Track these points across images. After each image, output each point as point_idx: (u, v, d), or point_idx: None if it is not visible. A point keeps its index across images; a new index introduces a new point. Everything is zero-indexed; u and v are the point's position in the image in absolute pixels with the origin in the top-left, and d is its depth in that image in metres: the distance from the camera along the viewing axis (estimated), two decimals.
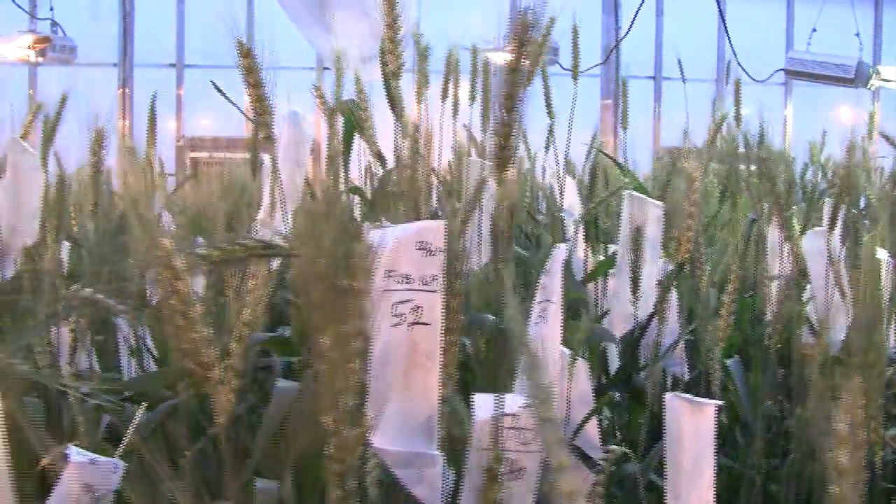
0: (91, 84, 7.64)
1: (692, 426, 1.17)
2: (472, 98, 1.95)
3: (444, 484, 1.00)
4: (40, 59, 6.07)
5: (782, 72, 6.23)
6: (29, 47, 5.99)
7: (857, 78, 5.76)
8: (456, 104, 1.90)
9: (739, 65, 5.18)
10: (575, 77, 2.19)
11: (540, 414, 0.56)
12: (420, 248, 0.94)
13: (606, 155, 1.98)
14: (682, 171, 1.95)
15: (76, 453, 1.12)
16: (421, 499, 0.99)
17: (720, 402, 1.19)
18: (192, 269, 0.70)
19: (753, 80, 5.65)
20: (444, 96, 1.89)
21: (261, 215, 2.00)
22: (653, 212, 1.74)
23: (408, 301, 0.94)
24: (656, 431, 1.24)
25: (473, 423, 0.94)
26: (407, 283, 0.93)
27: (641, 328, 1.74)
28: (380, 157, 1.69)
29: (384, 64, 1.72)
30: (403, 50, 1.28)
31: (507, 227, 1.35)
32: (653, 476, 1.41)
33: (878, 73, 5.90)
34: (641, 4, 4.66)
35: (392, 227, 0.96)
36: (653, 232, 1.74)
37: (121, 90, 6.99)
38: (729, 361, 1.66)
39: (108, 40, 7.01)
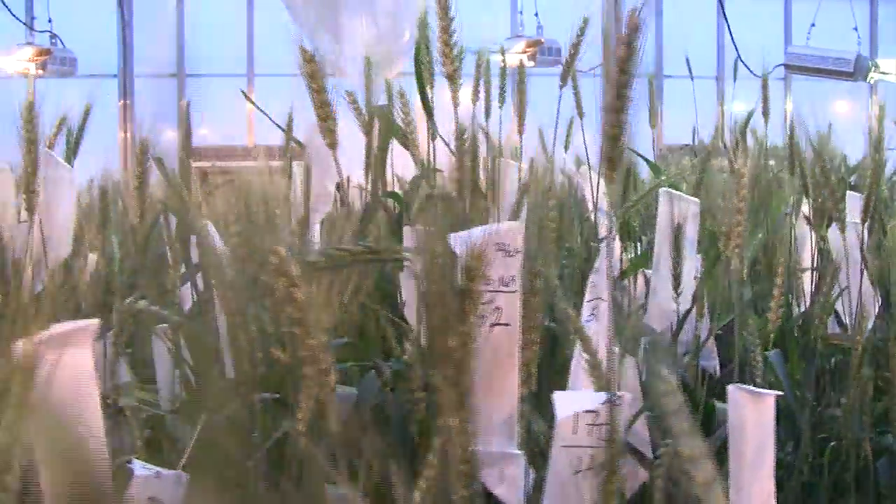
0: (91, 95, 7.66)
1: (754, 417, 1.19)
2: (502, 100, 1.96)
3: (526, 483, 1.01)
4: (41, 72, 6.07)
5: (782, 67, 6.26)
6: (29, 60, 6.00)
7: (856, 71, 5.79)
8: (488, 107, 1.91)
9: (742, 61, 5.21)
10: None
11: (666, 404, 0.58)
12: (499, 250, 0.96)
13: (640, 155, 1.99)
14: (712, 168, 1.98)
15: (140, 467, 1.13)
16: (503, 498, 1.00)
17: (779, 393, 1.21)
18: (307, 277, 0.71)
19: (755, 75, 5.67)
20: (475, 99, 1.90)
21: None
22: (690, 209, 1.76)
23: (489, 302, 0.95)
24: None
25: (556, 421, 0.96)
26: (488, 284, 0.94)
27: (680, 323, 1.75)
28: (421, 163, 1.71)
29: (419, 68, 1.73)
30: (458, 54, 1.30)
31: (555, 227, 1.37)
32: None
33: (876, 66, 5.94)
34: (642, 6, 4.67)
35: (471, 229, 0.97)
36: (689, 228, 1.75)
37: (121, 101, 7.00)
38: (770, 353, 1.68)
39: (108, 51, 7.02)
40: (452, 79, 1.29)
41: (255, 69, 7.84)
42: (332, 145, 1.20)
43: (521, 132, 1.76)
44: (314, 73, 1.19)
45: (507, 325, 0.97)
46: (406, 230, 1.64)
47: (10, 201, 1.66)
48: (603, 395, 0.96)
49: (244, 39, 7.80)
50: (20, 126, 2.04)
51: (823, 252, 1.97)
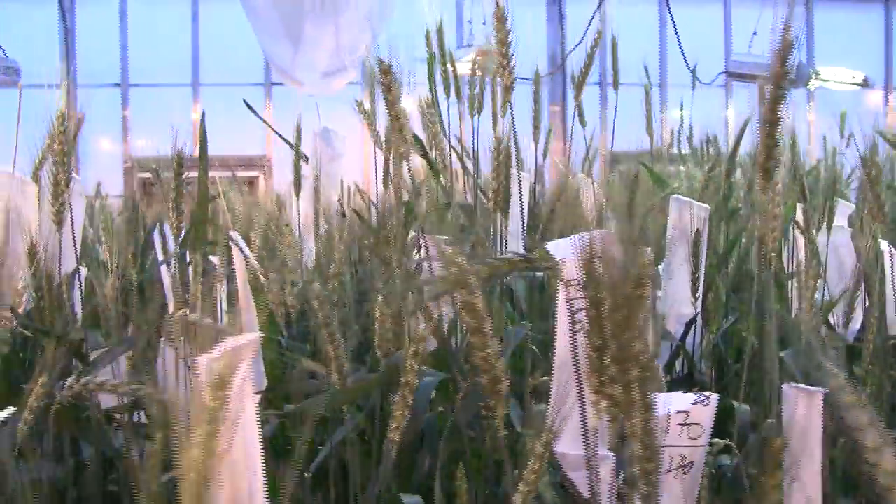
0: (35, 105, 7.55)
1: (804, 414, 1.22)
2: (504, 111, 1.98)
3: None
4: None
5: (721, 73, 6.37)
6: None
7: (797, 79, 5.90)
8: (494, 116, 1.93)
9: (689, 68, 5.30)
10: (616, 86, 2.25)
11: (847, 401, 0.60)
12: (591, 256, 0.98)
13: (645, 166, 2.02)
14: (719, 175, 2.02)
15: None
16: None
17: (827, 390, 1.24)
18: (482, 286, 0.72)
19: (701, 83, 5.78)
20: (479, 110, 1.92)
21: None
22: (700, 214, 1.80)
23: (582, 309, 0.97)
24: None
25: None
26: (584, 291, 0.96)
27: (689, 326, 1.79)
28: (436, 172, 1.72)
29: (432, 83, 1.74)
30: (514, 66, 1.32)
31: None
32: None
33: (817, 73, 6.07)
34: (593, 17, 4.74)
35: (565, 238, 1.00)
36: (683, 231, 1.79)
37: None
38: (784, 353, 1.72)
39: (51, 61, 6.93)
40: (508, 90, 1.31)
41: (201, 79, 7.79)
42: (406, 156, 1.21)
43: (536, 140, 1.79)
44: (390, 84, 1.19)
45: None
46: (429, 240, 1.65)
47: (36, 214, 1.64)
48: (693, 396, 0.99)
49: (189, 49, 7.75)
50: (49, 137, 2.03)
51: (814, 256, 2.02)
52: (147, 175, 2.08)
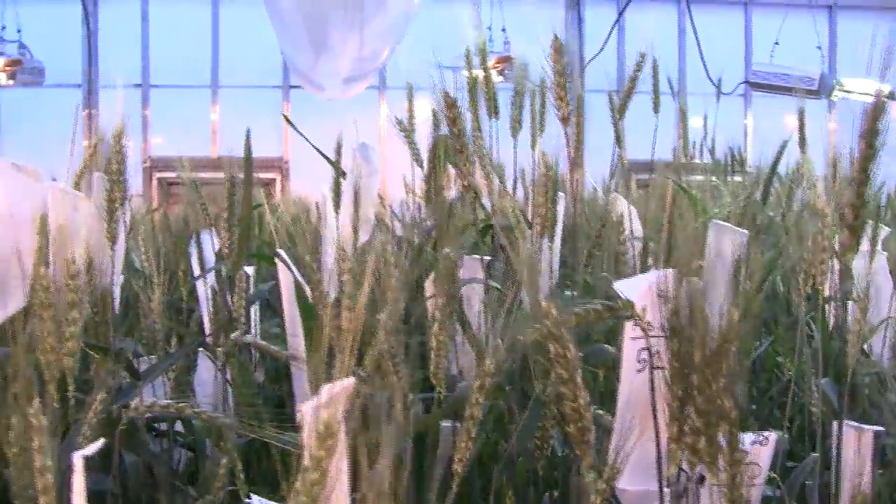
0: (56, 106, 7.59)
1: (855, 450, 1.23)
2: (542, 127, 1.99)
3: None
4: (10, 83, 6.01)
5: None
6: (0, 70, 5.94)
7: (820, 90, 5.92)
8: (534, 135, 1.94)
9: (711, 79, 5.31)
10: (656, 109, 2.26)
11: None
12: (660, 296, 1.00)
13: (681, 187, 2.03)
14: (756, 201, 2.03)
15: (257, 500, 1.16)
16: None
17: (880, 428, 1.25)
18: (568, 331, 0.74)
19: (722, 92, 5.78)
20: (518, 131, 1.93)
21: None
22: (738, 239, 1.81)
23: (649, 348, 0.99)
24: None
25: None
26: (649, 329, 0.98)
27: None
28: (474, 191, 1.73)
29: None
30: (571, 97, 1.33)
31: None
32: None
33: (840, 84, 6.07)
34: (615, 25, 4.76)
35: (636, 277, 1.01)
36: (726, 257, 1.80)
37: (86, 111, 6.93)
38: (823, 381, 1.72)
39: (73, 61, 6.96)
40: (565, 121, 1.32)
41: (220, 81, 7.82)
42: (472, 186, 1.22)
43: (577, 158, 1.79)
44: (456, 118, 1.21)
45: (662, 368, 1.00)
46: (468, 261, 1.66)
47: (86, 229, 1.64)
48: (752, 436, 1.01)
49: (208, 51, 7.79)
50: (89, 147, 2.04)
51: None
52: (166, 175, 2.07)
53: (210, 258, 2.03)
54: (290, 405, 1.87)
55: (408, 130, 1.89)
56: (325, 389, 0.66)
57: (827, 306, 2.04)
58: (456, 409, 1.03)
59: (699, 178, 3.76)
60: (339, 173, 1.93)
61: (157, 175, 6.42)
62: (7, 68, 6.00)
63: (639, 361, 1.00)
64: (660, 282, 1.03)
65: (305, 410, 0.64)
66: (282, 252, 1.59)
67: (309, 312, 1.48)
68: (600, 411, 1.21)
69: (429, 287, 1.63)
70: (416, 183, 2.92)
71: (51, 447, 0.78)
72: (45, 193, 1.61)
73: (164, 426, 1.66)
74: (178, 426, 1.69)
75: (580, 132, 1.78)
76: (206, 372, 1.78)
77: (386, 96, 7.71)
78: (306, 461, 0.62)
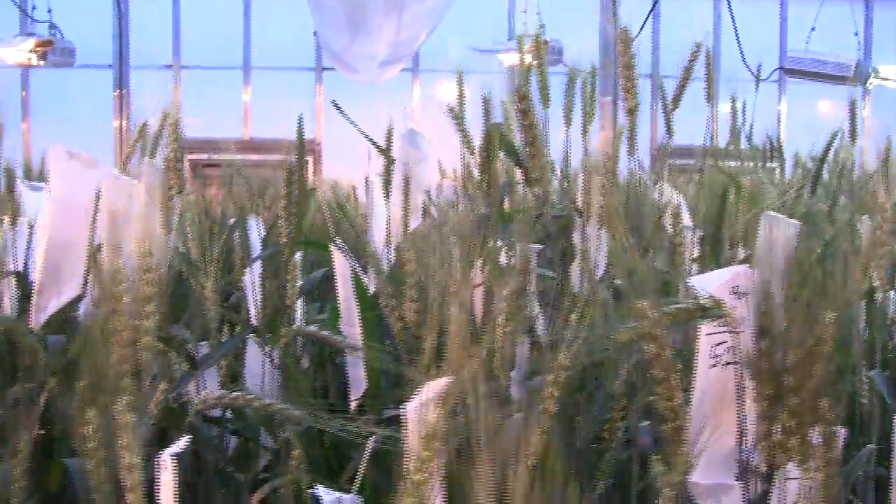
0: (87, 86, 7.61)
1: None
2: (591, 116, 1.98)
3: None
4: (42, 63, 6.02)
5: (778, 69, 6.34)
6: (31, 51, 5.94)
7: (856, 77, 5.87)
8: (585, 123, 1.93)
9: (746, 65, 5.28)
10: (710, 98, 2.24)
11: None
12: (733, 293, 0.99)
13: (730, 177, 2.01)
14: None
15: (324, 492, 1.16)
16: None
17: None
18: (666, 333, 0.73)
19: (759, 79, 5.74)
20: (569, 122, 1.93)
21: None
22: (790, 231, 1.79)
23: (723, 343, 0.98)
24: None
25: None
26: (724, 325, 0.97)
27: None
28: (532, 183, 1.72)
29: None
30: (638, 87, 1.32)
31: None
32: None
33: (876, 72, 6.02)
34: (651, 10, 4.72)
35: (709, 273, 1.01)
36: (787, 250, 1.79)
37: (117, 92, 6.94)
38: (873, 373, 1.71)
39: (104, 42, 6.96)
40: (632, 112, 1.31)
41: (252, 62, 7.82)
42: (544, 182, 1.21)
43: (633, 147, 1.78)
44: (532, 124, 1.20)
45: (737, 363, 0.99)
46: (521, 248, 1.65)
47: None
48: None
49: (240, 32, 7.78)
50: (138, 133, 2.03)
51: None
52: (197, 157, 2.07)
53: (256, 244, 2.02)
54: (333, 391, 1.87)
55: (459, 117, 1.88)
56: (427, 389, 0.65)
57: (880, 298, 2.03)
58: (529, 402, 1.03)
59: (734, 164, 3.73)
60: (389, 160, 1.93)
61: (189, 157, 6.40)
62: (38, 49, 6.00)
63: (713, 357, 0.99)
64: (738, 278, 1.02)
65: (410, 410, 0.64)
66: (338, 240, 1.58)
67: (366, 301, 1.47)
68: None
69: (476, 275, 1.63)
70: (455, 168, 2.90)
71: (137, 444, 0.78)
72: (99, 181, 1.61)
73: (215, 413, 1.65)
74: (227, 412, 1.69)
75: (634, 121, 1.77)
76: (253, 360, 1.78)
77: (419, 79, 7.69)
78: (412, 462, 0.61)
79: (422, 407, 0.63)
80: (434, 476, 0.61)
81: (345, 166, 3.47)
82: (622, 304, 1.18)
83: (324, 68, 7.58)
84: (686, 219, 2.16)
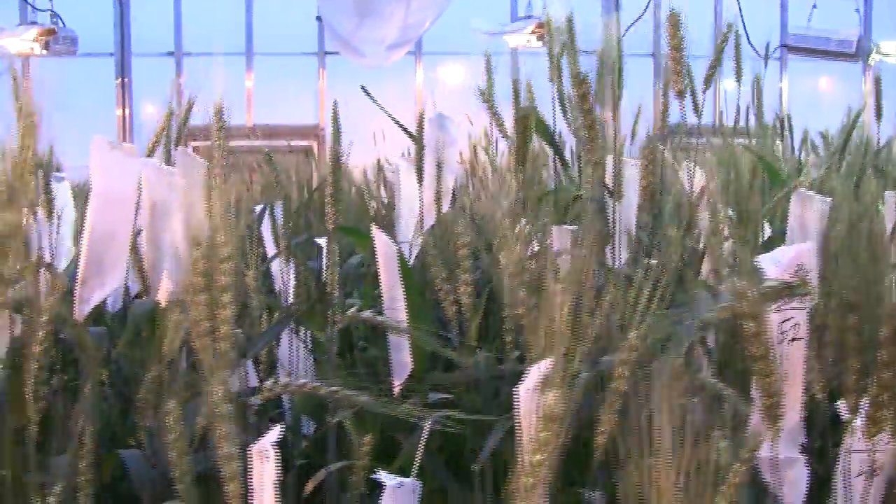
0: (88, 75, 7.59)
1: None
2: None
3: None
4: (44, 52, 6.01)
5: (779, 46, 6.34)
6: (34, 40, 5.93)
7: (858, 53, 5.88)
8: (615, 105, 1.93)
9: (750, 43, 5.27)
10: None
11: None
12: (798, 270, 1.01)
13: (762, 159, 2.02)
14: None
15: (385, 477, 1.17)
16: (785, 499, 1.05)
17: None
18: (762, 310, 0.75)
19: (760, 56, 5.75)
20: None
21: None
22: (820, 207, 1.81)
23: (789, 319, 1.00)
24: None
25: (853, 429, 1.01)
26: (790, 302, 0.98)
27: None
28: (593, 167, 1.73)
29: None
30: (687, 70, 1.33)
31: None
32: None
33: (878, 48, 6.03)
34: None
35: (773, 252, 1.02)
36: (818, 226, 1.80)
37: (119, 80, 6.94)
38: None
39: (105, 30, 6.96)
40: (682, 94, 1.32)
41: (254, 48, 7.81)
42: (601, 162, 1.22)
43: (664, 127, 1.79)
44: (586, 93, 1.21)
45: (801, 339, 1.01)
46: (555, 230, 1.67)
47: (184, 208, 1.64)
48: None
49: (242, 18, 7.77)
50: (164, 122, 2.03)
51: None
52: (202, 144, 2.08)
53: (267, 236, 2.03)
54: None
55: (490, 100, 1.89)
56: (537, 370, 0.66)
57: None
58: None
59: (743, 141, 3.75)
60: (421, 146, 1.94)
61: (193, 144, 6.40)
62: (41, 38, 5.99)
63: (780, 333, 1.01)
64: (803, 256, 1.04)
65: (522, 391, 0.65)
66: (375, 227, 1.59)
67: (413, 284, 1.48)
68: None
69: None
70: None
71: (235, 434, 0.79)
72: (140, 171, 1.62)
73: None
74: None
75: (667, 103, 1.78)
76: (284, 346, 1.79)
77: (422, 61, 7.69)
78: (529, 444, 0.63)
79: (535, 389, 0.64)
80: (553, 457, 0.62)
81: (349, 150, 3.47)
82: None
83: (326, 53, 7.57)
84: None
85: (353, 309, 1.30)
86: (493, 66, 2.13)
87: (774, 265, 1.01)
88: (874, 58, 6.05)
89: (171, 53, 7.48)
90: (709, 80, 1.86)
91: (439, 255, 1.32)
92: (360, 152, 3.13)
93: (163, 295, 1.60)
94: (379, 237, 1.58)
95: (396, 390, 1.57)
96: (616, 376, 1.01)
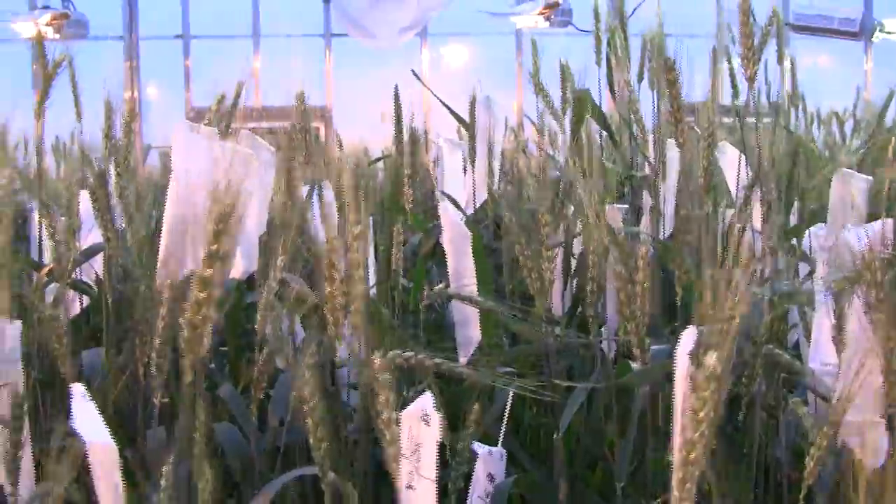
0: (97, 57, 7.61)
1: None
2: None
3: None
4: (57, 36, 6.05)
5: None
6: (47, 24, 5.97)
7: (861, 31, 5.94)
8: (661, 87, 1.99)
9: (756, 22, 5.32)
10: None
11: None
12: (885, 245, 1.08)
13: (803, 145, 2.08)
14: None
15: (478, 446, 1.25)
16: (864, 461, 1.13)
17: None
18: None
19: (781, 34, 5.81)
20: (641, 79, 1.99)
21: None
22: (861, 185, 1.88)
23: None
24: None
25: None
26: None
27: None
28: (617, 144, 1.81)
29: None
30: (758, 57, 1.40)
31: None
32: None
33: (882, 26, 6.09)
34: None
35: (867, 225, 1.09)
36: (861, 204, 1.87)
37: (127, 63, 6.97)
38: None
39: (114, 14, 6.99)
40: (752, 80, 1.39)
41: (261, 30, 7.85)
42: (687, 146, 1.29)
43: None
44: (675, 79, 1.27)
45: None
46: (609, 209, 1.74)
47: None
48: None
49: (249, 0, 7.81)
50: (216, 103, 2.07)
51: None
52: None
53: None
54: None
55: (540, 85, 1.96)
56: (692, 334, 0.73)
57: None
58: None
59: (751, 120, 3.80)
60: (472, 131, 2.01)
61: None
62: (54, 22, 6.03)
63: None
64: (888, 229, 1.11)
65: (681, 355, 0.72)
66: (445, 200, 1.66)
67: (483, 260, 1.55)
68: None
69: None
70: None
71: (394, 401, 0.85)
72: (219, 153, 1.67)
73: None
74: None
75: (716, 87, 1.85)
76: None
77: (427, 42, 7.73)
78: (693, 402, 0.70)
79: (694, 351, 0.71)
80: (715, 414, 0.70)
81: (356, 131, 3.53)
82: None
83: (333, 35, 7.61)
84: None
85: (440, 286, 1.36)
86: (530, 48, 2.19)
87: (859, 239, 1.08)
88: (878, 36, 6.12)
89: (179, 36, 7.53)
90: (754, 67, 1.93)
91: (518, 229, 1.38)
92: (369, 132, 3.18)
93: (236, 274, 1.66)
94: (446, 215, 1.65)
95: (463, 363, 1.64)
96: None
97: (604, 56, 2.03)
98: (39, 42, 1.86)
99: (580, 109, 1.77)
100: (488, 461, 1.26)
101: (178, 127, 1.62)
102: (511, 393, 1.28)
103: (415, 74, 2.25)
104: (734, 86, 2.10)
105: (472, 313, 1.55)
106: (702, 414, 0.69)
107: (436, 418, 0.86)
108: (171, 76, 7.42)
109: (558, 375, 1.49)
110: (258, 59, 7.85)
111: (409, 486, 0.86)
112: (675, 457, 0.71)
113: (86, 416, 0.84)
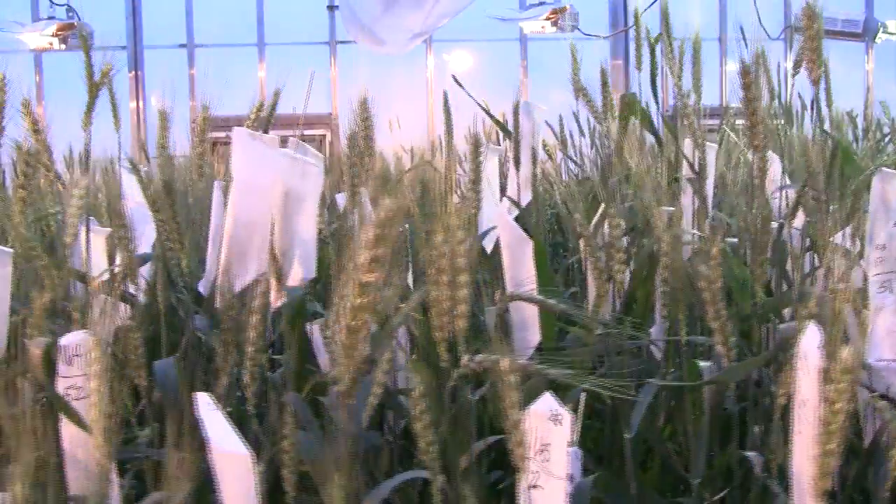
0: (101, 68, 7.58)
1: None
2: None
3: None
4: (62, 47, 6.07)
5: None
6: (54, 35, 5.99)
7: (865, 33, 5.98)
8: (697, 89, 2.03)
9: (761, 24, 5.37)
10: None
11: None
12: None
13: (838, 141, 2.11)
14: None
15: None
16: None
17: None
18: None
19: (769, 37, 5.85)
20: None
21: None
22: None
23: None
24: None
25: None
26: None
27: None
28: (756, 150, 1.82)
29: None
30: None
31: None
32: None
33: (885, 27, 6.13)
34: None
35: None
36: None
37: (132, 73, 6.99)
38: None
39: (119, 23, 7.01)
40: (816, 82, 1.42)
41: (266, 38, 7.86)
42: (762, 149, 1.32)
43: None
44: (751, 84, 1.30)
45: None
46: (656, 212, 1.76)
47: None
48: None
49: (253, 9, 7.82)
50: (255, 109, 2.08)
51: None
52: (217, 135, 2.13)
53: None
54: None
55: (583, 89, 1.98)
56: (814, 330, 0.76)
57: None
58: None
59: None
60: (509, 134, 2.03)
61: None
62: (60, 32, 6.05)
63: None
64: None
65: (808, 350, 0.75)
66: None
67: (545, 265, 1.57)
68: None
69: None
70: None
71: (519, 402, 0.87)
72: (278, 161, 1.69)
73: None
74: None
75: (758, 87, 1.87)
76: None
77: (432, 49, 7.76)
78: (830, 393, 0.72)
79: (818, 347, 0.74)
80: (848, 405, 0.72)
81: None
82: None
83: (338, 42, 7.63)
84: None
85: (511, 290, 1.38)
86: (535, 53, 2.21)
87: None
88: (881, 37, 6.16)
89: (182, 45, 7.54)
90: (798, 65, 1.96)
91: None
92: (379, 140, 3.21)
93: (294, 282, 1.68)
94: (503, 221, 1.67)
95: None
96: None
97: (645, 60, 2.06)
98: (86, 51, 1.86)
99: (628, 112, 1.80)
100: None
101: (237, 134, 1.64)
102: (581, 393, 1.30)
103: (456, 81, 2.26)
104: (772, 91, 2.12)
105: (531, 316, 1.56)
106: (838, 405, 0.72)
107: (567, 418, 0.88)
108: (175, 85, 7.42)
109: (621, 376, 1.52)
110: (263, 68, 7.87)
111: (534, 486, 0.88)
112: (810, 450, 0.73)
113: (216, 425, 0.86)
